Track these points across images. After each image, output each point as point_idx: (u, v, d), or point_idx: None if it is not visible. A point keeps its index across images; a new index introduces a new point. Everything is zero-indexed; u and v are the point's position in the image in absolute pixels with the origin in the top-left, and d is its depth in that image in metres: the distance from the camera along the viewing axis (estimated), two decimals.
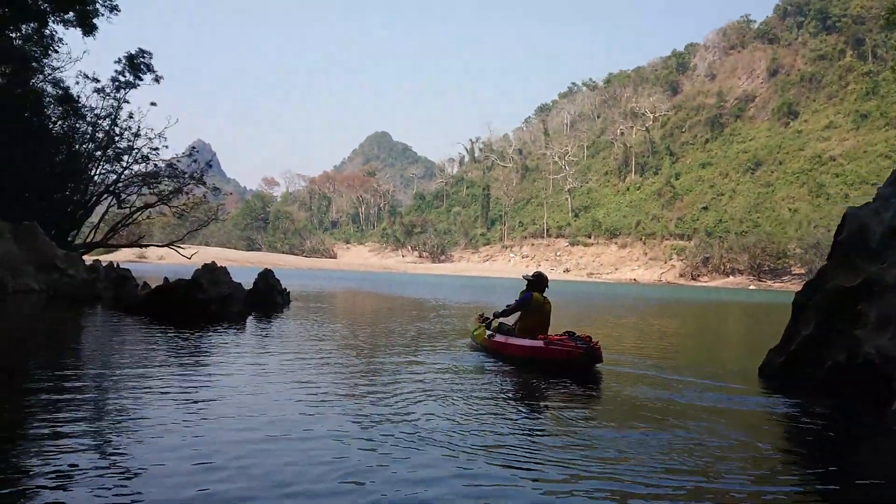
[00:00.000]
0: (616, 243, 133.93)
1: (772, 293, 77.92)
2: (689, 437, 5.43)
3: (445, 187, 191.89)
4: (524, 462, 4.58)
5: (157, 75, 30.41)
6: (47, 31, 27.16)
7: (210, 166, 34.48)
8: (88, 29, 26.97)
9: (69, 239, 29.10)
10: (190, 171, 32.70)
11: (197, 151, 35.49)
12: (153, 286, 14.11)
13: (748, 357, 12.73)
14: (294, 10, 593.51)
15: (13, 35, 26.73)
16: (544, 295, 10.14)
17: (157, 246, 37.66)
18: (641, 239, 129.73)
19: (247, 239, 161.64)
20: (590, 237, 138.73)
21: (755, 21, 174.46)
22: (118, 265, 16.74)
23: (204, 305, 12.58)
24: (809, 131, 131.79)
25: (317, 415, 5.64)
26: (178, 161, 32.56)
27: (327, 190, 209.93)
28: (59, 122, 29.04)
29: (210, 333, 11.06)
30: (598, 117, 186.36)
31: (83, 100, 28.73)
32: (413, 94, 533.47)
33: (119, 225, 33.09)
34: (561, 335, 9.15)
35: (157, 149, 30.95)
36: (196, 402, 5.87)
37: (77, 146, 29.59)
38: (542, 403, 6.77)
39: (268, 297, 16.59)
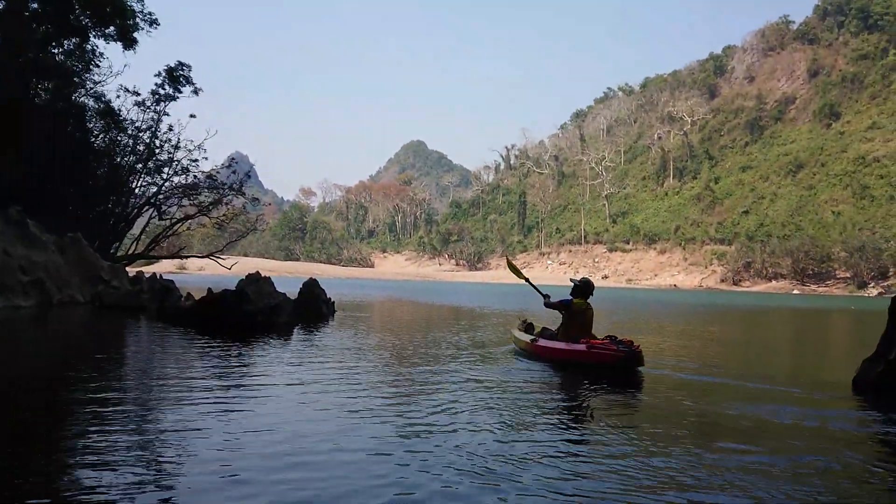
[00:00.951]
0: (655, 249, 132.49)
1: (817, 298, 76.33)
2: (780, 459, 4.95)
3: (481, 195, 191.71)
4: (579, 477, 4.35)
5: (196, 87, 30.68)
6: (88, 46, 27.53)
7: (249, 177, 34.69)
8: (129, 43, 27.26)
9: (111, 251, 29.41)
10: (229, 182, 32.92)
11: (236, 162, 35.69)
12: (196, 297, 14.00)
13: (827, 365, 12.32)
14: (328, 21, 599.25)
15: (55, 51, 27.15)
16: (588, 302, 10.27)
17: (198, 257, 37.94)
18: (681, 244, 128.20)
19: (285, 249, 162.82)
20: (628, 243, 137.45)
21: (794, 22, 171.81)
22: (161, 276, 16.73)
23: (250, 317, 12.38)
24: (852, 132, 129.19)
25: (359, 429, 5.42)
26: (217, 172, 32.80)
27: (364, 199, 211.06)
28: (101, 136, 29.39)
29: (257, 345, 10.86)
30: (635, 122, 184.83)
31: (124, 113, 29.08)
32: (448, 103, 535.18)
33: (160, 236, 33.39)
34: (603, 339, 9.40)
35: (196, 160, 31.21)
36: (239, 414, 5.68)
37: (118, 159, 29.93)
38: (598, 416, 6.39)
39: (313, 308, 16.30)
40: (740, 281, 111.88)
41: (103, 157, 29.44)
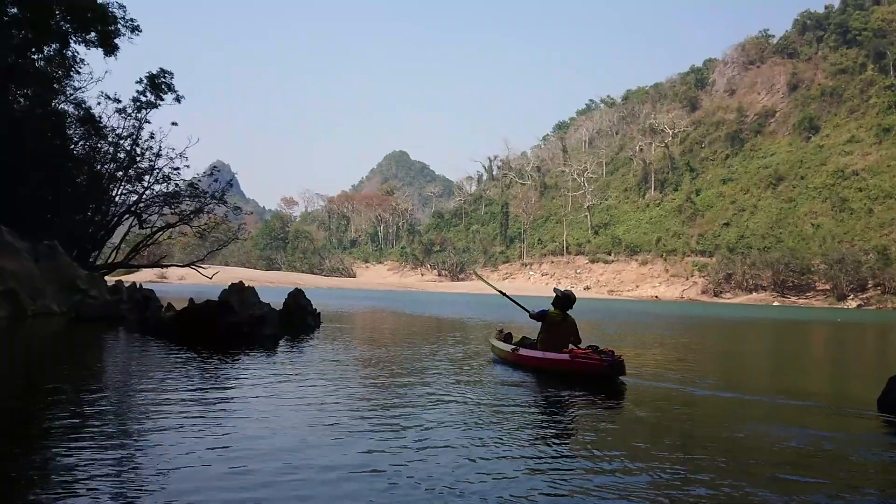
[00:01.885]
0: (637, 260, 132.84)
1: (798, 309, 76.77)
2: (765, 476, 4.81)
3: (464, 205, 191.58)
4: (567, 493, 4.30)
5: (178, 95, 30.29)
6: (69, 52, 27.12)
7: (231, 186, 34.35)
8: (110, 49, 26.88)
9: (91, 259, 28.93)
10: (211, 190, 32.52)
11: (218, 171, 35.33)
12: (177, 307, 13.48)
13: (836, 381, 12.21)
14: (313, 31, 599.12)
15: (35, 56, 26.72)
16: (566, 313, 10.49)
17: (178, 266, 37.49)
18: (662, 256, 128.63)
19: (266, 259, 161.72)
20: (610, 254, 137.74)
21: (774, 36, 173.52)
22: (141, 286, 16.17)
23: (235, 328, 11.91)
24: (831, 146, 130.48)
25: (346, 445, 5.28)
26: (198, 181, 32.38)
27: (346, 209, 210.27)
28: (81, 143, 28.94)
29: (242, 358, 10.44)
30: (617, 134, 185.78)
31: (105, 120, 28.64)
32: (431, 113, 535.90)
33: (140, 245, 32.91)
34: (586, 349, 9.60)
35: (178, 168, 30.77)
36: (221, 431, 5.45)
37: (99, 166, 29.47)
38: (583, 428, 6.25)
39: (300, 319, 15.93)
40: (721, 293, 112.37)
41: (83, 165, 28.97)
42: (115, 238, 33.75)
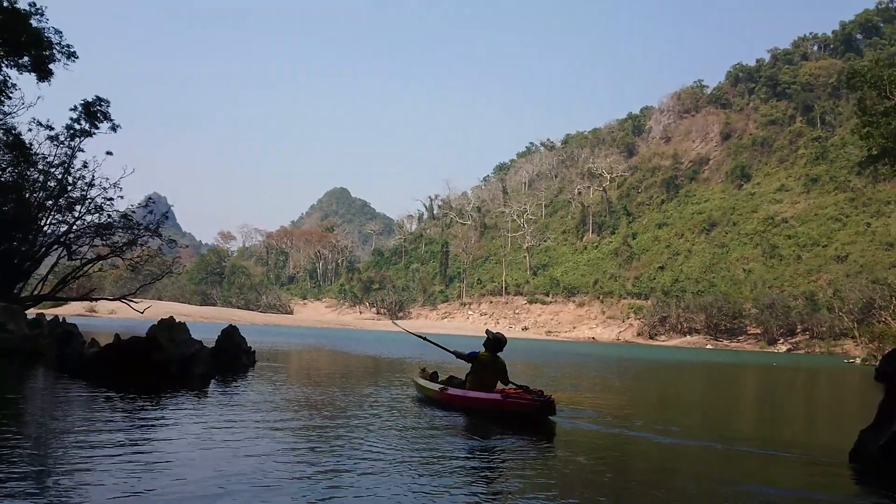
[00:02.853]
0: (574, 301, 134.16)
1: (731, 353, 78.22)
2: None
3: (404, 244, 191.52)
4: None
5: (114, 124, 29.42)
6: (0, 77, 26.22)
7: (166, 218, 33.40)
8: (44, 74, 26.06)
9: (15, 291, 27.71)
10: (145, 222, 31.60)
11: (153, 202, 34.44)
12: (103, 343, 12.68)
13: (789, 426, 12.16)
14: (254, 64, 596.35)
15: None
16: (496, 355, 10.53)
17: (108, 300, 36.08)
18: (599, 297, 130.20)
19: (202, 293, 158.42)
20: (548, 295, 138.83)
21: (708, 86, 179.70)
22: (64, 320, 15.24)
23: (162, 367, 11.11)
24: (762, 193, 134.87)
25: (268, 492, 4.99)
26: (133, 212, 31.42)
27: (285, 245, 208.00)
28: (9, 170, 27.86)
29: (167, 400, 9.68)
30: (556, 177, 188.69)
31: (35, 147, 27.64)
32: (373, 151, 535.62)
33: (69, 277, 31.68)
34: (517, 388, 9.73)
35: (111, 199, 29.79)
36: (137, 480, 5.01)
37: (27, 195, 28.38)
38: (516, 471, 6.03)
39: (233, 357, 15.22)
40: (656, 335, 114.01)
41: (9, 193, 27.85)
42: (43, 269, 32.49)
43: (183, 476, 5.29)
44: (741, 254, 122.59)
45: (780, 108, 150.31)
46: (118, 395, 9.84)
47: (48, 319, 16.59)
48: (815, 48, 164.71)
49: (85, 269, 31.25)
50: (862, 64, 45.33)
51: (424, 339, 12.99)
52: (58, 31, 26.58)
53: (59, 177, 28.69)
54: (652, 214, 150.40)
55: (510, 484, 5.87)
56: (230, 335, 15.58)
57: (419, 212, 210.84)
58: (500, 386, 10.39)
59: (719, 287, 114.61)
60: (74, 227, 29.70)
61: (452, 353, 11.15)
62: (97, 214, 29.80)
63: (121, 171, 30.96)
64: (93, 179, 29.11)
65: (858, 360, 55.58)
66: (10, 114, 26.70)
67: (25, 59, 25.55)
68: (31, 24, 25.33)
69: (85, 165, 29.09)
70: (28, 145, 27.27)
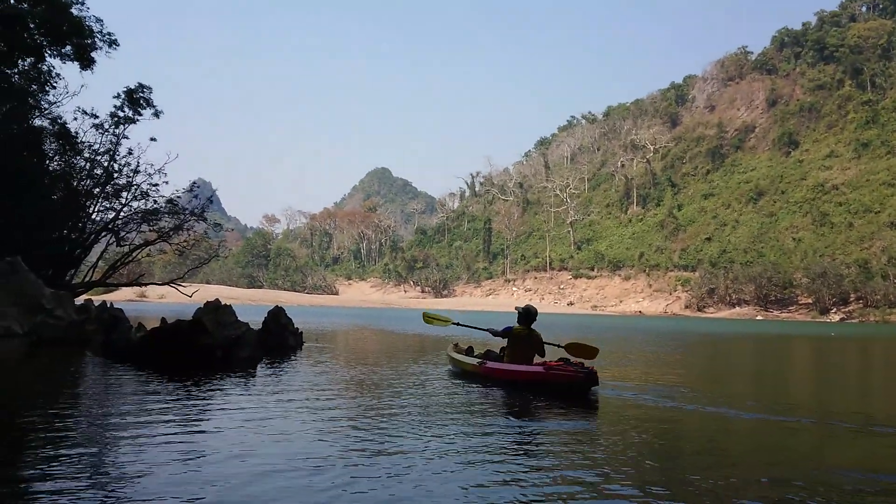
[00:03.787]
0: (619, 275, 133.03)
1: (783, 324, 76.77)
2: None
3: (446, 222, 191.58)
4: None
5: (156, 110, 29.62)
6: (44, 67, 26.52)
7: (211, 202, 33.63)
8: (86, 63, 26.28)
9: (67, 278, 28.18)
10: (190, 207, 31.86)
11: (198, 187, 34.60)
12: (150, 328, 12.60)
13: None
14: (293, 48, 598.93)
15: (10, 72, 26.08)
16: (531, 327, 10.68)
17: (157, 284, 36.59)
18: (645, 271, 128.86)
19: (248, 276, 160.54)
20: (593, 270, 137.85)
21: (752, 53, 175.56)
22: (111, 305, 15.23)
23: (208, 351, 10.83)
24: (811, 161, 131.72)
25: (322, 473, 4.89)
26: (178, 197, 31.68)
27: (328, 226, 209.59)
28: (57, 159, 28.26)
29: (215, 385, 9.37)
30: (599, 150, 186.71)
31: (81, 135, 27.97)
32: (413, 130, 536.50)
33: (118, 263, 32.14)
34: (557, 361, 9.66)
35: (156, 185, 30.06)
36: (187, 469, 4.89)
37: (75, 183, 28.76)
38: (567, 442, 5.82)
39: (280, 339, 14.97)
40: (704, 307, 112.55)
41: (58, 182, 28.26)
42: (93, 256, 33.00)
43: (232, 463, 5.18)
44: (790, 222, 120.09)
45: (827, 73, 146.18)
46: (164, 380, 9.69)
47: (96, 305, 16.55)
48: (864, 9, 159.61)
49: (133, 254, 31.62)
50: None
51: (456, 323, 13.16)
52: (98, 20, 26.84)
53: (105, 164, 29.00)
54: (697, 185, 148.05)
55: (558, 457, 5.76)
56: (277, 316, 15.32)
57: (461, 189, 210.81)
58: (538, 359, 10.45)
59: (768, 257, 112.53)
60: (121, 213, 30.05)
61: (487, 330, 11.33)
62: (143, 200, 30.10)
63: (165, 157, 31.17)
64: (138, 166, 29.37)
65: None
66: (55, 103, 27.05)
67: (67, 48, 25.78)
68: (71, 14, 25.54)
69: (130, 152, 29.37)
70: (74, 134, 27.61)
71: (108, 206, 30.11)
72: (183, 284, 33.15)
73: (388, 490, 4.54)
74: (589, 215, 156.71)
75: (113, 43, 27.44)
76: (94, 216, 29.98)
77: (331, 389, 9.49)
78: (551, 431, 6.94)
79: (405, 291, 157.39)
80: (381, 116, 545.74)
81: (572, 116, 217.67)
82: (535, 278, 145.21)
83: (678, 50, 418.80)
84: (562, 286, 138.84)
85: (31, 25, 24.86)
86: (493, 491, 4.55)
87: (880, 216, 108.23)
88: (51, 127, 27.32)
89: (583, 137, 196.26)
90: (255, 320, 16.14)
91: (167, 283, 34.01)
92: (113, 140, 28.80)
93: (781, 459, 5.95)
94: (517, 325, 10.72)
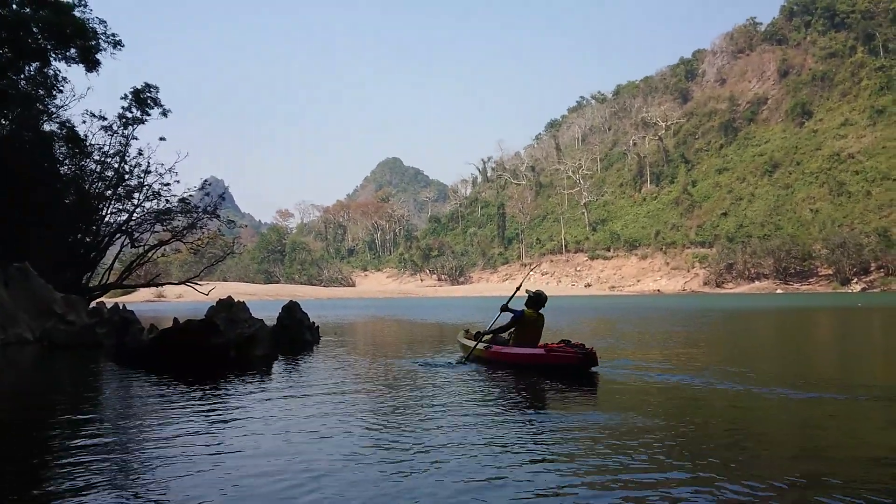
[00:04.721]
0: (636, 255, 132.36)
1: (805, 296, 76.05)
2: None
3: (460, 209, 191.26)
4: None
5: (164, 109, 29.58)
6: (50, 71, 26.44)
7: (223, 199, 33.54)
8: (91, 65, 26.17)
9: (84, 281, 28.20)
10: (203, 205, 31.80)
11: (210, 185, 34.54)
12: (162, 329, 12.01)
13: None
14: (302, 42, 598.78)
15: (16, 77, 26.01)
16: (539, 312, 11.08)
17: (173, 284, 36.64)
18: (662, 249, 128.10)
19: (265, 272, 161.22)
20: (609, 250, 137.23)
21: (762, 23, 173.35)
22: (124, 307, 15.00)
23: (221, 350, 10.44)
24: (825, 130, 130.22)
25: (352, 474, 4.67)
26: (190, 196, 31.61)
27: (342, 218, 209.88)
28: (67, 162, 28.21)
29: (227, 388, 8.99)
30: (610, 129, 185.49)
31: (90, 138, 27.91)
32: (422, 118, 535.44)
33: (134, 264, 32.18)
34: (558, 343, 10.14)
35: (168, 184, 30.01)
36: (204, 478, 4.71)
37: (87, 186, 28.74)
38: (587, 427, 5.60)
39: (296, 335, 14.57)
40: (723, 283, 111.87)
41: (71, 185, 28.24)
42: (108, 258, 33.05)
43: (248, 470, 4.99)
44: (807, 193, 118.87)
45: (839, 40, 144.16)
46: (173, 383, 9.32)
47: (108, 307, 16.28)
48: None
49: (148, 255, 31.67)
50: None
51: (481, 337, 12.54)
52: (102, 21, 26.71)
53: (116, 166, 28.96)
54: (711, 160, 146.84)
55: (555, 435, 5.95)
56: (291, 311, 14.95)
57: (473, 175, 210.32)
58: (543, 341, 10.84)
59: (786, 230, 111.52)
60: (134, 214, 30.04)
61: (504, 328, 11.40)
62: (155, 201, 30.11)
63: (175, 157, 31.08)
64: (149, 166, 29.36)
65: None
66: (63, 106, 26.96)
67: (72, 50, 25.67)
68: (74, 16, 25.42)
69: (140, 153, 29.34)
70: (83, 137, 27.54)
71: (120, 207, 30.12)
72: (199, 283, 33.15)
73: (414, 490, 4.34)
74: (603, 196, 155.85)
75: (118, 44, 27.33)
76: (107, 218, 29.98)
77: (347, 387, 9.11)
78: (566, 422, 6.70)
79: (421, 280, 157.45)
80: (390, 106, 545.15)
81: (581, 97, 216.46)
82: (552, 261, 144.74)
83: (686, 24, 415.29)
84: (578, 268, 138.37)
85: (35, 30, 24.73)
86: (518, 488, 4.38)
87: None
88: (60, 131, 27.26)
89: (593, 118, 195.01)
90: (272, 316, 15.95)
91: (183, 283, 34.06)
92: (122, 141, 28.78)
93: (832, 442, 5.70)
94: (527, 308, 11.01)
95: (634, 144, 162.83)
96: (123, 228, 30.02)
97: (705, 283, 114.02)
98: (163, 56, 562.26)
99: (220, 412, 7.18)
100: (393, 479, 4.54)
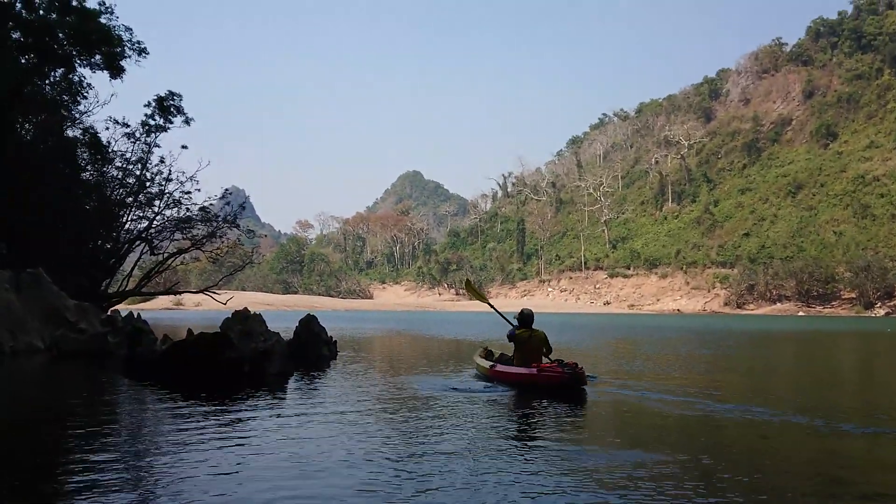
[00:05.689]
0: (656, 273, 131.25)
1: (825, 319, 74.97)
2: None
3: (479, 223, 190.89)
4: None
5: (187, 117, 29.65)
6: (75, 78, 26.55)
7: (243, 209, 33.53)
8: (116, 72, 26.27)
9: (102, 288, 28.17)
10: (223, 214, 31.77)
11: (230, 194, 34.53)
12: (175, 341, 11.43)
13: None
14: (327, 55, 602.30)
15: (41, 83, 26.12)
16: (531, 329, 11.43)
17: (191, 292, 36.62)
18: (682, 268, 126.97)
19: (283, 282, 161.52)
20: (629, 268, 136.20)
21: (787, 44, 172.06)
22: (138, 315, 14.67)
23: (234, 365, 9.90)
24: (850, 152, 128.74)
25: None
26: (211, 205, 31.60)
27: (361, 230, 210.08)
28: (89, 168, 28.28)
29: (237, 405, 8.43)
30: (632, 147, 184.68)
31: (113, 144, 27.98)
32: (443, 132, 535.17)
33: (153, 272, 32.16)
34: (552, 363, 10.64)
35: (189, 193, 30.01)
36: None
37: (108, 193, 28.78)
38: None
39: (313, 350, 14.10)
40: (744, 304, 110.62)
41: (92, 191, 28.29)
42: (128, 265, 33.07)
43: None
44: (831, 216, 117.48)
45: (865, 62, 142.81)
46: (181, 401, 8.80)
47: (122, 316, 15.92)
48: None
49: (167, 263, 31.65)
50: None
51: (493, 308, 14.60)
52: (128, 28, 26.84)
53: (138, 173, 29.02)
54: (734, 180, 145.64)
55: (539, 450, 6.19)
56: (309, 325, 14.48)
57: (493, 190, 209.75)
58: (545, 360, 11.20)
59: (809, 251, 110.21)
60: (155, 222, 30.06)
61: (509, 322, 12.29)
62: (176, 208, 30.10)
63: (197, 165, 31.07)
64: (170, 174, 29.38)
65: None
66: (87, 113, 27.07)
67: (97, 57, 25.75)
68: (100, 22, 25.49)
69: (162, 161, 29.39)
70: (106, 143, 27.60)
71: (141, 214, 30.18)
72: (218, 292, 33.10)
73: None
74: (623, 213, 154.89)
75: (143, 51, 27.43)
76: (127, 225, 30.02)
77: (367, 409, 8.63)
78: (537, 428, 6.38)
79: (439, 294, 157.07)
80: (411, 119, 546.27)
81: (604, 114, 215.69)
82: (571, 278, 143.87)
83: (710, 44, 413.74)
84: (598, 286, 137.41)
85: (61, 35, 24.83)
86: None
87: None
88: (83, 137, 27.34)
89: (615, 135, 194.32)
90: (289, 327, 15.65)
91: (201, 291, 34.00)
92: (144, 149, 28.82)
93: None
94: (519, 329, 11.53)
95: (656, 162, 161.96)
96: (143, 236, 30.04)
97: (726, 304, 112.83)
98: (188, 64, 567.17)
99: (227, 432, 6.84)
100: None
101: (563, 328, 35.52)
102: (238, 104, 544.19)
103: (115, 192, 28.97)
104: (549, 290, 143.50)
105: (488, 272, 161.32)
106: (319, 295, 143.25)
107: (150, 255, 31.49)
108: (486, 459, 5.79)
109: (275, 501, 4.42)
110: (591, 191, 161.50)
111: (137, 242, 30.23)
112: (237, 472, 5.13)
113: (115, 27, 26.22)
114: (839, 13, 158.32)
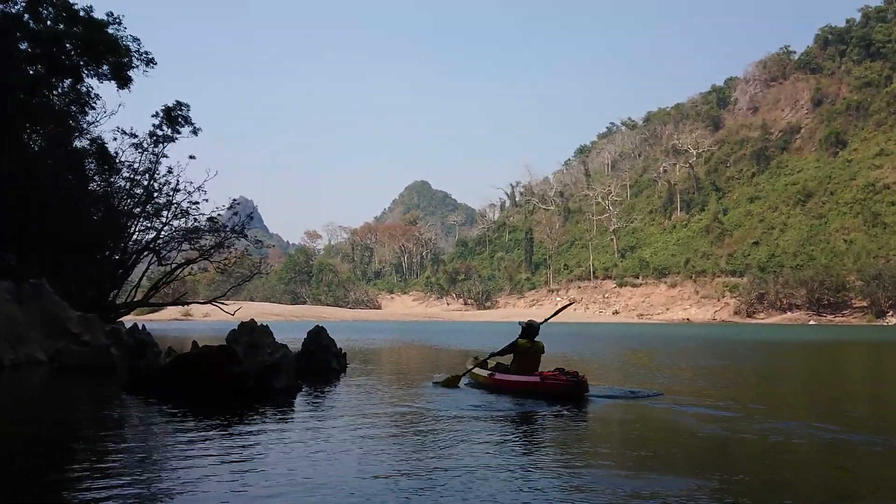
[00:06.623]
0: (665, 283, 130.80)
1: (837, 328, 74.36)
2: None
3: (487, 233, 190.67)
4: None
5: (195, 128, 29.54)
6: (83, 88, 26.50)
7: (251, 219, 33.39)
8: (123, 82, 26.22)
9: (110, 299, 28.03)
10: (231, 224, 31.63)
11: (238, 204, 34.36)
12: (177, 354, 10.98)
13: None
14: (333, 65, 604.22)
15: (49, 94, 26.10)
16: (534, 340, 11.58)
17: (199, 303, 36.46)
18: (691, 277, 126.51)
19: (291, 293, 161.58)
20: (638, 277, 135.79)
21: (795, 52, 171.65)
22: (143, 327, 14.39)
23: (239, 380, 9.38)
24: (860, 160, 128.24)
25: None
26: (218, 215, 31.47)
27: (369, 241, 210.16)
28: (97, 179, 28.19)
29: (241, 422, 7.99)
30: (640, 156, 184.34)
31: (120, 155, 27.89)
32: (451, 142, 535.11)
33: (160, 283, 32.01)
34: (553, 371, 10.78)
35: (196, 203, 29.86)
36: None
37: (115, 203, 28.67)
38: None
39: (321, 363, 13.71)
40: (754, 313, 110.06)
41: (99, 202, 28.19)
42: (136, 276, 32.94)
43: None
44: (841, 224, 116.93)
45: (874, 69, 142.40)
46: (181, 417, 8.42)
47: (127, 328, 15.55)
48: None
49: (175, 273, 31.52)
50: None
51: (466, 372, 13.40)
52: (135, 39, 26.81)
53: (145, 184, 28.89)
54: (743, 188, 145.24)
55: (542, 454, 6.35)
56: (317, 337, 14.16)
57: (501, 200, 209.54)
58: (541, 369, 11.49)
59: (819, 260, 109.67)
60: (162, 232, 29.92)
61: (499, 353, 12.32)
62: (184, 219, 29.97)
63: (204, 175, 30.92)
64: (178, 184, 29.25)
65: None
66: (94, 123, 26.98)
67: (104, 67, 25.70)
68: (108, 33, 25.46)
69: (170, 171, 29.24)
70: (113, 154, 27.52)
71: (148, 225, 30.03)
72: (226, 302, 32.95)
73: None
74: (632, 222, 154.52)
75: (150, 62, 27.40)
76: (135, 236, 29.88)
77: (377, 426, 8.23)
78: (541, 433, 6.12)
79: (448, 304, 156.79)
80: (419, 129, 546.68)
81: (612, 123, 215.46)
82: (579, 287, 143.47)
83: (718, 52, 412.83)
84: (606, 295, 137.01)
85: (68, 46, 24.79)
86: None
87: None
88: (90, 147, 27.26)
89: (623, 144, 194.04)
90: (298, 338, 15.39)
91: (209, 302, 33.86)
92: (152, 159, 28.70)
93: None
94: (521, 339, 11.62)
95: (665, 171, 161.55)
96: (151, 246, 29.89)
97: (736, 313, 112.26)
98: (196, 74, 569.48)
99: (229, 451, 6.51)
100: None
101: (574, 339, 35.21)
102: (246, 115, 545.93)
103: (123, 203, 28.84)
104: (558, 299, 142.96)
105: (496, 282, 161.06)
106: (328, 305, 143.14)
107: (159, 265, 31.36)
108: (501, 478, 5.59)
109: None
110: (600, 200, 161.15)
111: (145, 253, 30.09)
112: (240, 492, 4.90)
113: (122, 37, 26.23)
114: (847, 21, 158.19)
